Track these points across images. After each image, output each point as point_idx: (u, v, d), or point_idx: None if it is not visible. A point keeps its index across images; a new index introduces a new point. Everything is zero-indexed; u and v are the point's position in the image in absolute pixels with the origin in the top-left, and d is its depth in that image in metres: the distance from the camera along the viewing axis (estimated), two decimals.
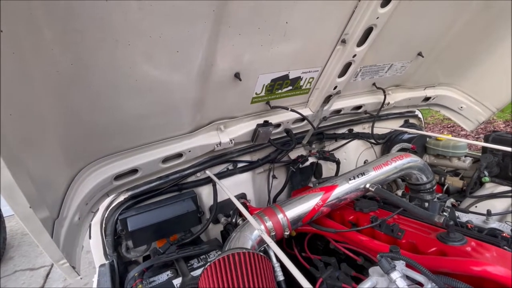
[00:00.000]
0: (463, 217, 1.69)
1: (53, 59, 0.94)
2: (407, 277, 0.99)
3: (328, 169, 2.49)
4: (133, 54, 1.09)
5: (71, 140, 1.21)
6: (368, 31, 1.55)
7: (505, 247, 1.18)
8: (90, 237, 1.69)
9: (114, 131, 1.35)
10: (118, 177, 1.54)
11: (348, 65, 1.75)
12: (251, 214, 1.45)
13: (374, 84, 2.20)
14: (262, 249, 1.34)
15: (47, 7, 0.83)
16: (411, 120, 2.88)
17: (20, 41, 0.82)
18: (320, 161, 2.40)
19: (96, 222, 1.66)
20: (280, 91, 1.74)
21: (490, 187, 2.14)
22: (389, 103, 2.38)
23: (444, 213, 1.64)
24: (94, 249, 1.71)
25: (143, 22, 1.01)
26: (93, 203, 1.53)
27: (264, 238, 1.21)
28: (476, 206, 2.09)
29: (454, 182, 2.31)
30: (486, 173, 2.16)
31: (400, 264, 1.01)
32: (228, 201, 1.91)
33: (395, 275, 0.95)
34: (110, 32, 0.98)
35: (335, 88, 1.88)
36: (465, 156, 2.38)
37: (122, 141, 1.45)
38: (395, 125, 2.73)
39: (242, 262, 1.07)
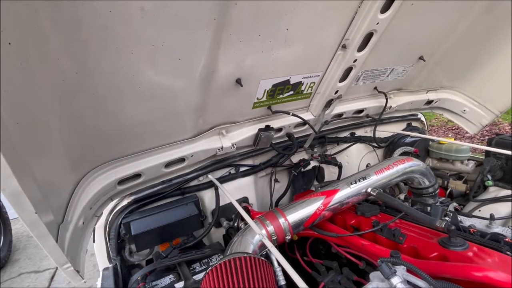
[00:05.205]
0: (466, 221, 1.68)
1: (58, 69, 0.96)
2: (408, 282, 0.99)
3: (330, 172, 2.49)
4: (136, 62, 1.11)
5: (76, 146, 1.24)
6: (369, 36, 1.56)
7: (508, 253, 1.18)
8: (94, 241, 1.71)
9: (118, 136, 1.37)
10: (121, 181, 1.57)
11: (349, 70, 1.76)
12: (253, 218, 1.45)
13: (375, 88, 2.20)
14: (264, 253, 1.35)
15: (53, 18, 0.86)
16: (414, 123, 2.88)
17: (27, 52, 0.85)
18: (322, 165, 2.41)
19: (100, 226, 1.68)
20: (281, 96, 1.76)
21: (494, 191, 2.13)
22: (391, 106, 2.38)
23: (447, 218, 1.63)
24: (98, 253, 1.73)
25: (146, 31, 1.03)
26: (97, 207, 1.55)
27: (265, 243, 1.22)
28: (479, 210, 2.07)
29: (457, 186, 2.30)
30: (489, 176, 2.14)
31: (400, 269, 1.01)
32: (230, 205, 1.92)
33: (395, 280, 0.95)
34: (114, 41, 1.01)
35: (336, 92, 1.89)
36: (468, 159, 2.37)
37: (126, 146, 1.47)
38: (397, 128, 2.73)
39: (243, 267, 1.08)
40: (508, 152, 1.77)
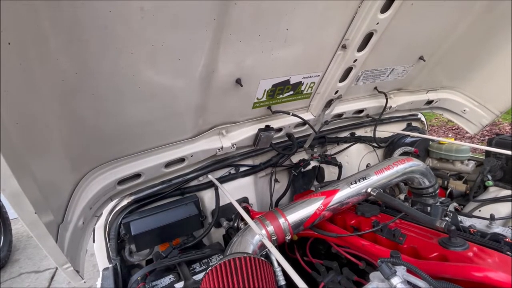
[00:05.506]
0: (466, 222, 1.68)
1: (58, 69, 0.96)
2: (408, 283, 0.98)
3: (330, 172, 2.49)
4: (136, 62, 1.11)
5: (75, 146, 1.24)
6: (369, 36, 1.56)
7: (508, 253, 1.18)
8: (94, 241, 1.71)
9: (117, 136, 1.37)
10: (121, 181, 1.57)
11: (349, 70, 1.76)
12: (253, 218, 1.45)
13: (375, 88, 2.20)
14: (264, 253, 1.35)
15: (53, 18, 0.86)
16: (414, 124, 2.88)
17: (27, 53, 0.84)
18: (322, 165, 2.41)
19: (99, 226, 1.68)
20: (281, 96, 1.76)
21: (494, 191, 2.13)
22: (391, 106, 2.38)
23: (447, 218, 1.63)
24: (98, 253, 1.73)
25: (146, 31, 1.03)
26: (97, 207, 1.55)
27: (265, 243, 1.22)
28: (480, 210, 2.07)
29: (457, 186, 2.30)
30: (489, 176, 2.14)
31: (401, 270, 1.01)
32: (230, 205, 1.92)
33: (395, 280, 0.95)
34: (114, 41, 1.01)
35: (336, 92, 1.89)
36: (468, 159, 2.37)
37: (126, 146, 1.47)
38: (397, 128, 2.73)
39: (243, 267, 1.08)
40: (508, 152, 1.77)
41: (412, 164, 1.71)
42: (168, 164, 1.69)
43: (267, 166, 2.15)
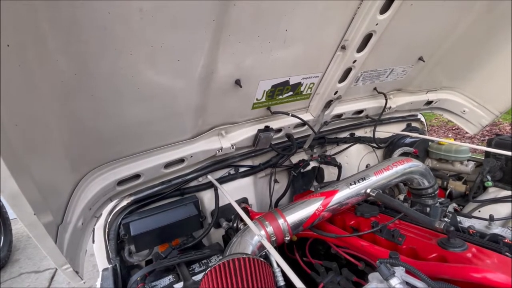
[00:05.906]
0: (466, 222, 1.68)
1: (57, 70, 0.96)
2: (407, 283, 0.99)
3: (330, 173, 2.49)
4: (135, 63, 1.11)
5: (75, 146, 1.24)
6: (368, 37, 1.56)
7: (507, 254, 1.18)
8: (93, 242, 1.71)
9: (117, 137, 1.38)
10: (121, 182, 1.57)
11: (348, 71, 1.76)
12: (252, 219, 1.46)
13: (375, 88, 2.20)
14: (263, 254, 1.35)
15: (53, 19, 0.86)
16: (414, 124, 2.88)
17: (26, 54, 0.84)
18: (322, 165, 2.41)
19: (99, 226, 1.68)
20: (280, 96, 1.76)
21: (493, 192, 2.13)
22: (390, 107, 2.38)
23: (446, 218, 1.63)
24: (98, 253, 1.73)
25: (145, 32, 1.03)
26: (96, 208, 1.55)
27: (264, 244, 1.22)
28: (479, 211, 2.07)
29: (457, 187, 2.30)
30: (489, 177, 2.14)
31: (399, 270, 1.01)
32: (230, 205, 1.92)
33: (394, 281, 0.95)
34: (113, 42, 1.01)
35: (335, 93, 1.89)
36: (468, 160, 2.37)
37: (125, 147, 1.47)
38: (397, 129, 2.73)
39: (242, 268, 1.08)
40: (508, 153, 1.77)
41: (412, 164, 1.71)
42: (168, 165, 1.69)
43: (266, 167, 2.15)
